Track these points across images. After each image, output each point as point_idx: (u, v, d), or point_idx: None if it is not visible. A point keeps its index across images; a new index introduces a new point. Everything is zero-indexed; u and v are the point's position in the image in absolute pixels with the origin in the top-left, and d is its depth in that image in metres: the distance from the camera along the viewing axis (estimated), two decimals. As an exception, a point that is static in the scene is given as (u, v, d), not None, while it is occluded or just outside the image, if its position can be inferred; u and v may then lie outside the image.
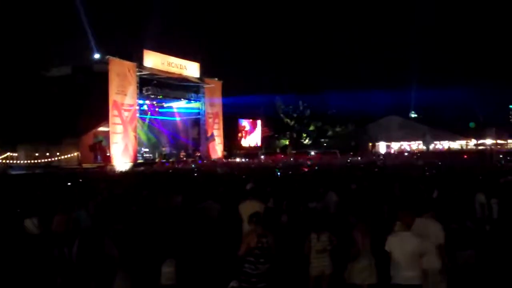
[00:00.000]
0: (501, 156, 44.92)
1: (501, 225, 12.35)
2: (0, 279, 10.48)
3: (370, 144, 76.93)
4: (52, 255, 11.52)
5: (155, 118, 49.05)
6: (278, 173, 25.75)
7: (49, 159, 37.51)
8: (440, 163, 34.88)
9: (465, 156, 46.03)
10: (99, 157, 40.11)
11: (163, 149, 46.74)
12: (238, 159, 50.63)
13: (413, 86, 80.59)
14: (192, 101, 49.88)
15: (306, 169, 31.48)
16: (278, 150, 69.27)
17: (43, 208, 13.03)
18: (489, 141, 66.49)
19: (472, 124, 68.17)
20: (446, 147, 73.91)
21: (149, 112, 47.86)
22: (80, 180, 23.70)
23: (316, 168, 31.54)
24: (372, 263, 8.83)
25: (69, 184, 21.94)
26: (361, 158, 49.73)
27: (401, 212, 7.93)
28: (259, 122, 67.43)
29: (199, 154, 48.03)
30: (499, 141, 70.82)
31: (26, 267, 11.38)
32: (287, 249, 9.44)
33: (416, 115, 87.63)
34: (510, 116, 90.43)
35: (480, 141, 71.31)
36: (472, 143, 74.04)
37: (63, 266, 10.11)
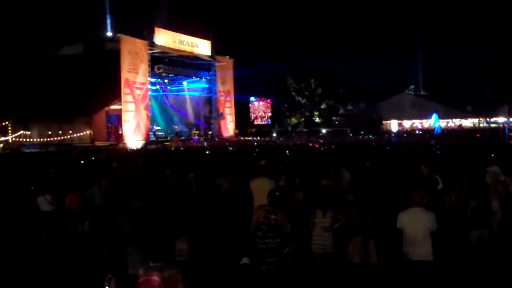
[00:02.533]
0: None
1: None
2: (15, 256, 10.66)
3: (387, 122, 76.16)
4: (66, 231, 11.70)
5: (166, 97, 49.14)
6: (287, 152, 25.68)
7: (62, 137, 37.69)
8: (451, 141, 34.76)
9: (478, 135, 45.63)
10: (111, 135, 40.35)
11: (175, 127, 46.79)
12: (250, 138, 50.58)
13: (425, 63, 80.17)
14: (203, 79, 49.90)
15: (317, 146, 31.59)
16: (289, 129, 69.18)
17: (56, 185, 13.16)
18: (501, 119, 66.06)
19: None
20: (457, 124, 73.40)
21: (161, 90, 47.94)
22: (93, 158, 23.85)
23: (325, 148, 31.43)
24: (370, 241, 8.89)
25: (82, 162, 22.10)
26: (374, 137, 49.48)
27: (414, 190, 7.94)
28: (269, 100, 67.41)
29: (210, 133, 48.13)
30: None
31: (41, 243, 11.58)
32: (301, 226, 9.48)
33: (427, 93, 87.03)
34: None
35: (493, 119, 70.89)
36: (484, 121, 73.54)
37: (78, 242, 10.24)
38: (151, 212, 10.53)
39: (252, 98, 63.58)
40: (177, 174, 14.80)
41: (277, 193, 8.32)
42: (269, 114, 67.65)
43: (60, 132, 37.90)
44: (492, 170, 12.03)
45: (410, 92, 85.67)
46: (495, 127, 63.37)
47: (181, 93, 50.76)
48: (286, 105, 73.67)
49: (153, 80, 43.32)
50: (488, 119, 72.69)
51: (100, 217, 8.92)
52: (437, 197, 10.81)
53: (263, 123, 66.14)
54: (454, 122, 73.80)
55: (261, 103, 66.46)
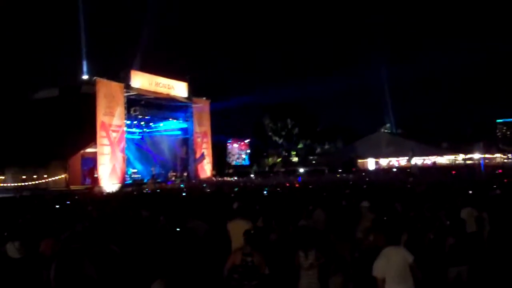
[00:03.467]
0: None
1: (492, 239, 12.37)
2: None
3: (363, 161, 76.67)
4: (39, 278, 11.42)
5: (143, 138, 49.00)
6: (265, 192, 25.63)
7: (37, 182, 37.27)
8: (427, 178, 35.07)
9: (453, 172, 46.17)
10: (87, 178, 40.06)
11: (152, 169, 46.56)
12: (227, 178, 50.54)
13: (401, 102, 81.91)
14: (180, 121, 49.90)
15: (297, 185, 31.66)
16: (267, 169, 69.34)
17: (30, 231, 12.92)
18: (477, 156, 66.99)
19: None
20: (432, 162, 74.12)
21: (137, 132, 47.80)
22: (68, 203, 23.54)
23: (306, 186, 31.51)
24: (348, 281, 8.84)
25: (57, 206, 21.79)
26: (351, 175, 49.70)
27: (375, 234, 7.99)
28: (246, 141, 67.75)
29: (186, 174, 47.95)
30: (487, 155, 71.33)
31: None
32: (275, 267, 9.39)
33: (403, 131, 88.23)
34: (497, 131, 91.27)
35: (468, 156, 71.80)
36: (460, 157, 74.44)
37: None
38: (127, 256, 10.37)
39: (228, 140, 63.82)
40: (153, 216, 14.65)
41: (251, 232, 8.28)
42: (245, 155, 67.80)
43: (35, 176, 37.48)
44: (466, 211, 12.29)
45: (385, 131, 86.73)
46: (470, 163, 64.11)
47: (158, 133, 50.71)
48: (263, 145, 74.01)
49: (129, 122, 43.19)
50: (464, 156, 73.63)
51: (66, 260, 8.77)
52: (415, 235, 10.80)
53: (241, 163, 66.20)
54: (429, 159, 74.52)
55: (236, 144, 66.63)
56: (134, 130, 46.71)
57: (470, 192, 19.20)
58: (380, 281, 7.54)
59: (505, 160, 76.70)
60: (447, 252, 9.70)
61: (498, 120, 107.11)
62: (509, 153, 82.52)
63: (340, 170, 57.70)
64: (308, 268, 8.66)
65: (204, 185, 36.60)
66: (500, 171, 44.41)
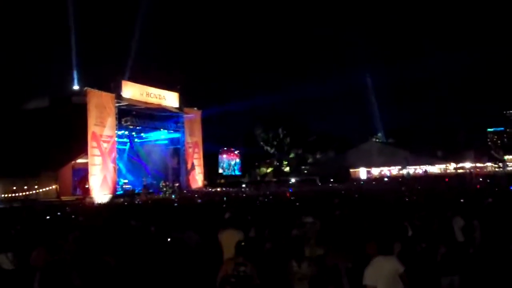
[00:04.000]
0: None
1: (484, 247, 12.35)
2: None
3: (355, 170, 76.65)
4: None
5: (134, 149, 48.83)
6: (258, 202, 25.56)
7: (27, 192, 37.05)
8: (419, 187, 35.14)
9: (447, 180, 46.27)
10: (78, 189, 39.89)
11: (144, 179, 46.39)
12: (219, 189, 50.43)
13: (391, 111, 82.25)
14: (171, 131, 49.78)
15: (288, 195, 31.63)
16: (258, 179, 69.28)
17: (21, 242, 12.82)
18: (468, 165, 67.18)
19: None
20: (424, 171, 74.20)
21: (129, 143, 47.65)
22: (59, 214, 23.40)
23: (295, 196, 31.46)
24: None
25: (47, 217, 21.66)
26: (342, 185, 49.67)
27: (367, 243, 7.97)
28: (236, 152, 67.86)
29: (178, 184, 47.76)
30: (477, 164, 71.58)
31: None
32: (270, 276, 9.33)
33: (394, 140, 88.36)
34: (488, 140, 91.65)
35: (459, 165, 71.96)
36: (451, 166, 74.56)
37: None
38: (119, 267, 10.29)
39: (218, 150, 63.90)
40: (144, 227, 14.57)
41: (242, 243, 8.23)
42: (236, 165, 67.86)
43: (26, 187, 37.25)
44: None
45: (377, 140, 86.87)
46: (461, 172, 64.26)
47: (149, 143, 50.58)
48: (255, 155, 74.02)
49: (120, 132, 43.05)
50: (455, 165, 73.80)
51: (51, 271, 8.69)
52: (408, 244, 10.78)
53: (232, 173, 66.17)
54: (421, 168, 74.61)
55: (225, 155, 66.68)
56: (125, 140, 46.55)
57: (462, 200, 19.23)
58: None
59: (496, 169, 77.02)
60: (439, 261, 9.67)
61: (489, 129, 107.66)
62: (500, 162, 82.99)
63: (332, 180, 57.56)
64: (300, 279, 8.61)
65: (196, 195, 36.48)
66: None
